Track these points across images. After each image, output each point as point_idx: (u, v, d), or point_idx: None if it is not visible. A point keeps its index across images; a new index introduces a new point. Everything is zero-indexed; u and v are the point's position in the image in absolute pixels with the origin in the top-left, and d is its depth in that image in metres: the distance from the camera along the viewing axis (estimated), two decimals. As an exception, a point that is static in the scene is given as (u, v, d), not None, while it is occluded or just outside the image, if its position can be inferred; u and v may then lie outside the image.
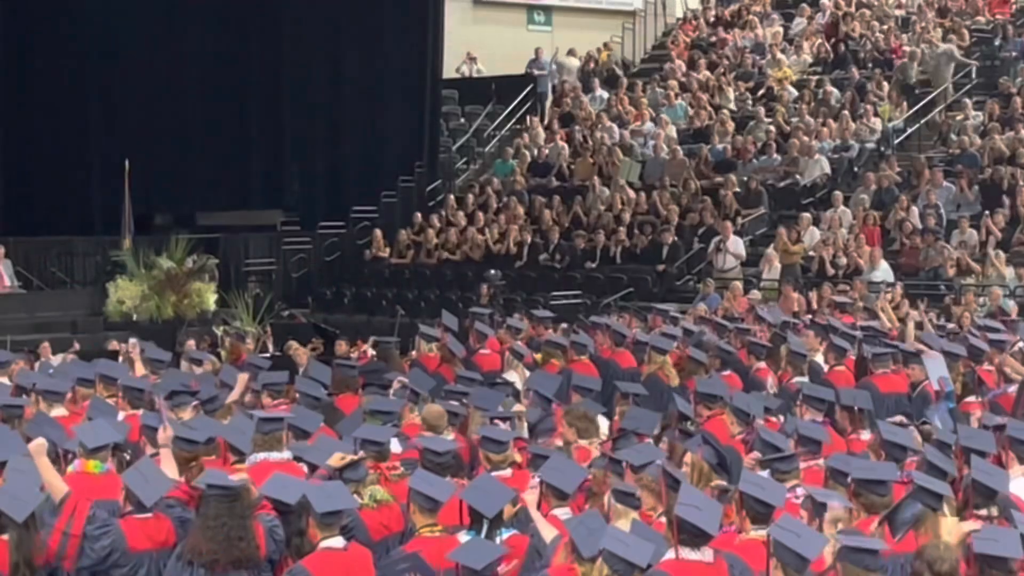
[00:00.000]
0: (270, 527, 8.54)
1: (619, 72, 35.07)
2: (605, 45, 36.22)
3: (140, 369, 15.46)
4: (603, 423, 12.22)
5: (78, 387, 13.24)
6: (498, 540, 8.26)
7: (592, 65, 35.56)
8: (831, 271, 24.43)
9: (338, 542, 8.15)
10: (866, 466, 9.03)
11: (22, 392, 13.08)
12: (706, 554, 7.60)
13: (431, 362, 16.52)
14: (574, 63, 35.26)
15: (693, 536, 7.59)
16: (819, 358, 15.69)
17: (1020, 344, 16.08)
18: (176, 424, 10.22)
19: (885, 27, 33.04)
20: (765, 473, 9.34)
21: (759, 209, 27.36)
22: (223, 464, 9.72)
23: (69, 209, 28.46)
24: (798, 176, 28.04)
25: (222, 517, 8.23)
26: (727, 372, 14.99)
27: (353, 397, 13.74)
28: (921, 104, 29.45)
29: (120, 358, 17.71)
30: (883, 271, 23.84)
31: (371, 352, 18.51)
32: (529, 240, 28.13)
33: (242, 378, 13.74)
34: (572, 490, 8.89)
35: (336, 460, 9.35)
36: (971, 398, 13.82)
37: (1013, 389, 13.66)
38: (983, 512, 8.42)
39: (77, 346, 20.31)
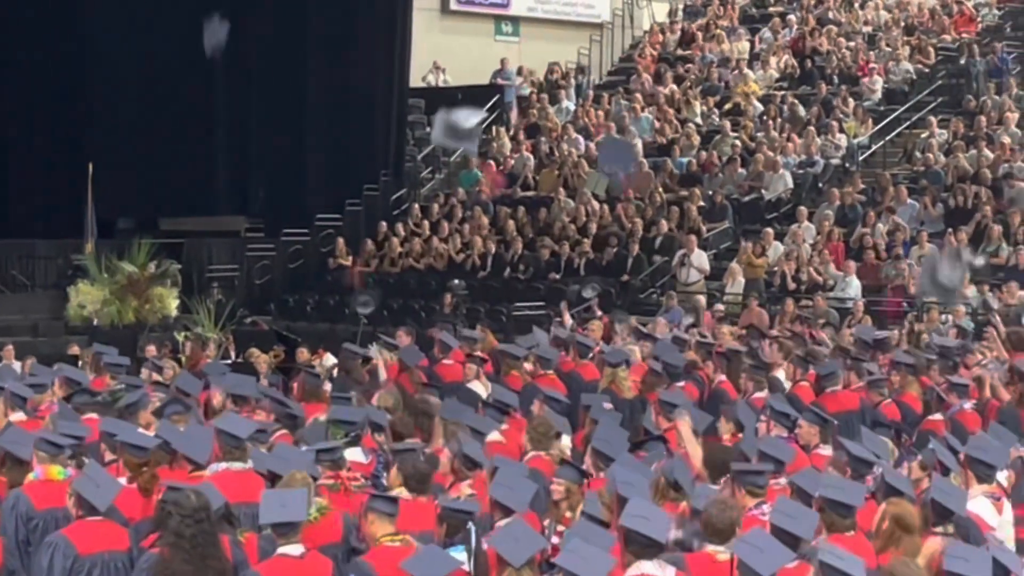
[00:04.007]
0: (231, 534, 8.45)
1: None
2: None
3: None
4: (564, 438, 12.13)
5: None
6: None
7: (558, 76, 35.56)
8: (793, 286, 24.50)
9: (295, 549, 8.06)
10: (836, 485, 8.88)
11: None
12: (667, 571, 7.57)
13: (390, 372, 16.43)
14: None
15: (644, 547, 7.54)
16: (780, 373, 15.70)
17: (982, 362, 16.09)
18: (127, 428, 10.20)
19: (852, 44, 33.14)
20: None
21: (723, 223, 27.41)
22: (176, 471, 9.65)
23: (31, 212, 28.32)
24: (763, 191, 28.10)
25: (196, 537, 7.85)
26: (682, 383, 14.98)
27: (319, 405, 13.64)
28: (886, 121, 29.57)
29: (80, 362, 17.62)
30: (855, 287, 23.89)
31: (332, 360, 18.42)
32: (493, 250, 28.10)
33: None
34: (521, 507, 8.76)
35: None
36: (936, 416, 13.83)
37: (969, 405, 13.69)
38: (939, 530, 8.41)
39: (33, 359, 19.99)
